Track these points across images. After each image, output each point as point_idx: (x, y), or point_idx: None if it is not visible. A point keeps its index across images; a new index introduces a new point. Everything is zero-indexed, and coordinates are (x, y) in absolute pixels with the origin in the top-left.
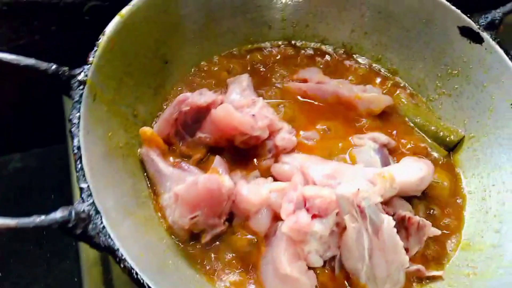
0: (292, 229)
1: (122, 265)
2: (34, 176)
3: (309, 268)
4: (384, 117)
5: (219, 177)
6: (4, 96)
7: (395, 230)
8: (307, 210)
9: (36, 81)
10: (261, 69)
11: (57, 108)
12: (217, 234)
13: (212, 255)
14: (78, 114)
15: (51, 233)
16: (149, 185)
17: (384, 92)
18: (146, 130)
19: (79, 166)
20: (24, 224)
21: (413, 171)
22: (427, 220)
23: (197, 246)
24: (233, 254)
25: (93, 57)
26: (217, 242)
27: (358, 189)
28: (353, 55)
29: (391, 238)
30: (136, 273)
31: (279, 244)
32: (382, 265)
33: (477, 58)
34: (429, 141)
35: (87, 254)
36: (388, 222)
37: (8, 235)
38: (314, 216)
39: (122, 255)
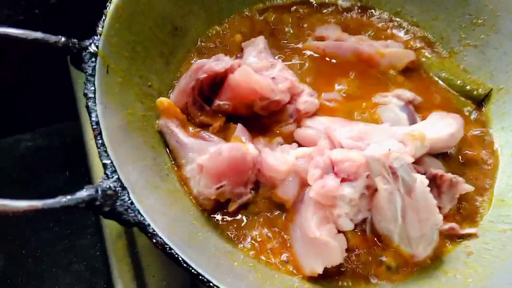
0: (319, 193)
1: (154, 240)
2: (46, 155)
3: (340, 231)
4: (408, 73)
5: (243, 145)
6: (9, 75)
7: (429, 189)
8: (336, 174)
9: (41, 58)
10: (276, 30)
11: (65, 85)
12: (243, 202)
13: (241, 224)
14: (93, 88)
15: (68, 211)
16: (170, 157)
17: (406, 46)
18: (163, 100)
19: (100, 141)
20: (51, 205)
21: (442, 127)
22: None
23: (225, 215)
24: (262, 222)
25: (102, 27)
26: (245, 211)
27: (389, 150)
28: (371, 10)
29: (425, 197)
30: (170, 248)
31: (308, 209)
32: (415, 225)
33: (504, 5)
34: (456, 95)
35: (111, 228)
36: (421, 181)
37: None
38: (343, 180)
39: (153, 230)
